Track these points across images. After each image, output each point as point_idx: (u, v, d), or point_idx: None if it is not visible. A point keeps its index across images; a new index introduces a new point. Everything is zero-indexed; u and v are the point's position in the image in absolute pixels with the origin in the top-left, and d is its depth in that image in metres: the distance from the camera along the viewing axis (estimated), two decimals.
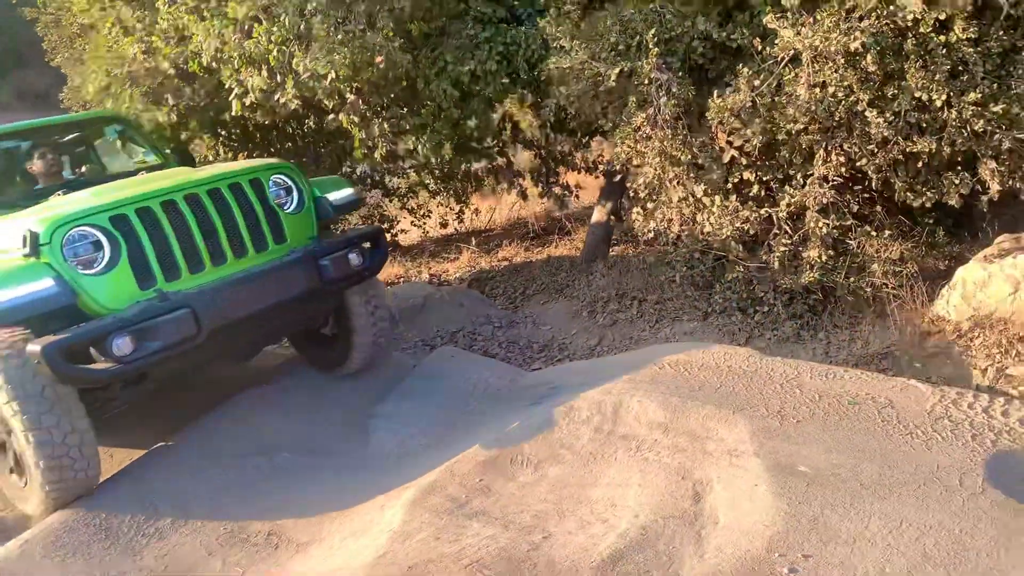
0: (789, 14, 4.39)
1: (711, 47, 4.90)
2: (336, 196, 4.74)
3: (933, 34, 4.16)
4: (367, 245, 4.54)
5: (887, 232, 4.74)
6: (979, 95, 4.09)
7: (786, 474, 3.13)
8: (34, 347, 3.48)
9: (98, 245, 3.73)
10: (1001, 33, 4.19)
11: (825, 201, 4.58)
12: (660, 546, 2.88)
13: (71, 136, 5.67)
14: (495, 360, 5.45)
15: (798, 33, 4.31)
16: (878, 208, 4.93)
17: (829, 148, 4.55)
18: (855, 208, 4.75)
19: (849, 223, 4.70)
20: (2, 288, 3.55)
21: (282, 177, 4.40)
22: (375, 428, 4.48)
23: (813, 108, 4.41)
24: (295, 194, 4.42)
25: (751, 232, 4.95)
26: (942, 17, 4.12)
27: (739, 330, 5.08)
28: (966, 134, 4.22)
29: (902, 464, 3.15)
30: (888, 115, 4.27)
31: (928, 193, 4.50)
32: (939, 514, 2.85)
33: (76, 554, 3.45)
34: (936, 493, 2.97)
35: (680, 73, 4.84)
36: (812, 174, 4.62)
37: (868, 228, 4.75)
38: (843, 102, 4.33)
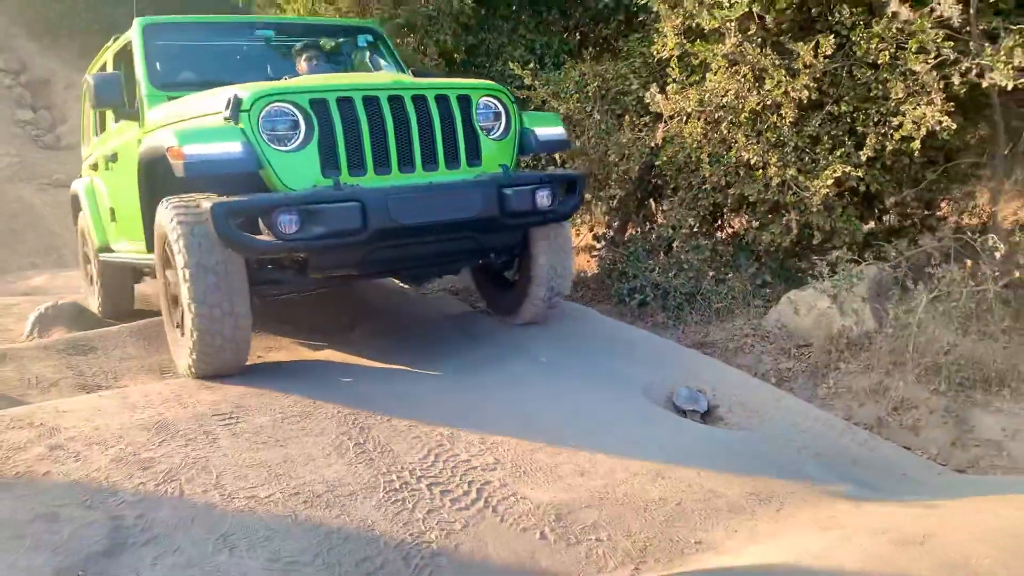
0: (675, 84, 5.86)
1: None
2: (544, 132, 4.60)
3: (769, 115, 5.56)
4: (562, 187, 4.44)
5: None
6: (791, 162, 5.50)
7: None
8: (207, 204, 3.65)
9: (294, 125, 3.81)
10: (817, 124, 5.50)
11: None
12: None
13: (328, 39, 5.71)
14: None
15: (667, 98, 5.80)
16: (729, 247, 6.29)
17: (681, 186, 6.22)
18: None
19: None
20: (195, 142, 3.69)
21: (493, 100, 4.33)
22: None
23: (671, 154, 6.04)
24: (502, 120, 4.35)
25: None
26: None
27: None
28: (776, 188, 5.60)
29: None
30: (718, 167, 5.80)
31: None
32: None
33: None
34: None
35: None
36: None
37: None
38: (692, 152, 5.89)
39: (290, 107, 3.79)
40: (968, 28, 4.96)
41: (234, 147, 3.67)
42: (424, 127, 4.03)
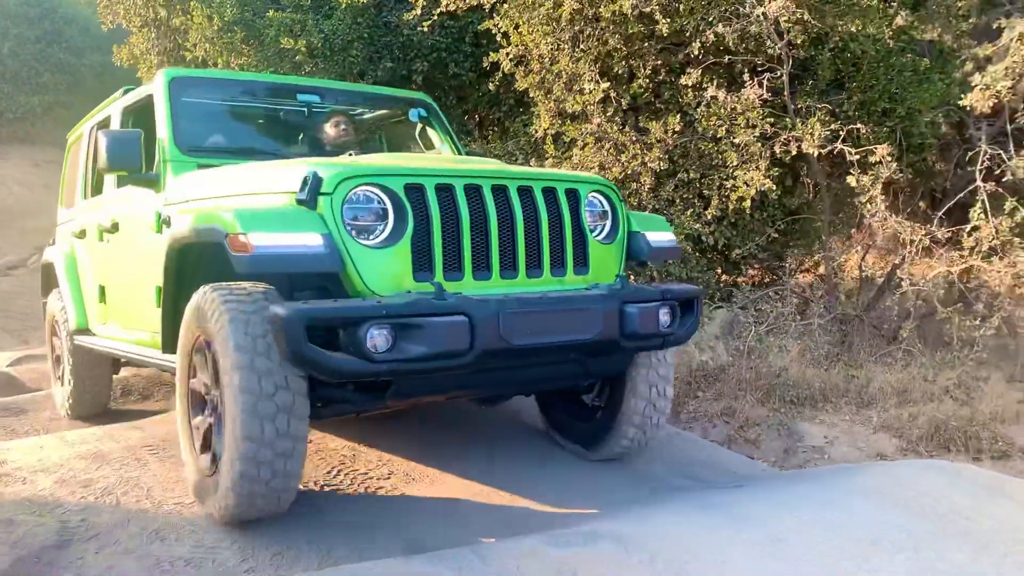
0: (551, 158, 6.74)
1: None
2: (656, 238, 3.92)
3: None
4: (678, 306, 3.64)
5: None
6: None
7: None
8: (278, 310, 2.81)
9: (381, 214, 3.11)
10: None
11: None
12: None
13: (374, 110, 5.14)
14: None
15: None
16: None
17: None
18: None
19: None
20: (265, 230, 2.95)
21: (600, 197, 3.66)
22: None
23: None
24: (610, 220, 3.68)
25: None
26: None
27: None
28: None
29: None
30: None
31: None
32: None
33: None
34: None
35: None
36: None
37: None
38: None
39: (378, 192, 3.09)
40: (788, 106, 6.00)
41: (314, 239, 2.95)
42: (529, 225, 3.36)
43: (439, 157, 4.34)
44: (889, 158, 5.37)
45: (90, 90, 15.83)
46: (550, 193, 3.44)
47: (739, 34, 5.67)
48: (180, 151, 4.06)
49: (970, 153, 5.99)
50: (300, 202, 3.05)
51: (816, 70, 6.22)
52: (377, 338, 2.86)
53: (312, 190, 3.03)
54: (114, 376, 5.72)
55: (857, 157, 5.56)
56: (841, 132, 5.72)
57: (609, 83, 6.21)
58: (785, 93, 5.98)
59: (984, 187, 5.47)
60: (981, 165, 5.68)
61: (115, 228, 4.65)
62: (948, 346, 5.57)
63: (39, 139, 17.22)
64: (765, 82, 5.75)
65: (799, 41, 5.67)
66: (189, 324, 3.29)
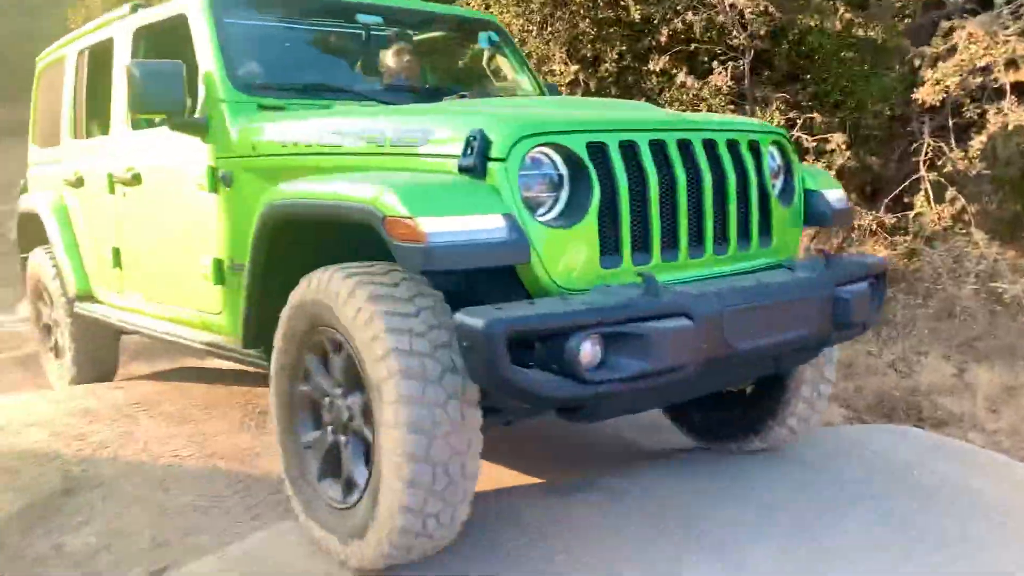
0: None
1: None
2: (833, 196, 3.18)
3: None
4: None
5: None
6: None
7: None
8: (472, 321, 2.10)
9: (556, 182, 2.41)
10: None
11: None
12: None
13: (441, 33, 4.28)
14: None
15: None
16: None
17: None
18: None
19: None
20: (437, 212, 2.21)
21: (775, 150, 2.99)
22: None
23: None
24: (786, 178, 3.01)
25: None
26: None
27: None
28: None
29: None
30: None
31: None
32: None
33: None
34: None
35: None
36: None
37: None
38: None
39: (553, 154, 2.40)
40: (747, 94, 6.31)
41: (495, 222, 2.24)
42: (717, 188, 2.69)
43: (574, 101, 3.68)
44: (844, 147, 5.72)
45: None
46: (733, 147, 2.77)
47: (705, 23, 5.93)
48: (236, 89, 3.27)
49: (914, 145, 6.40)
50: (463, 169, 2.33)
51: (774, 61, 6.53)
52: (589, 352, 2.17)
53: (480, 153, 2.31)
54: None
55: (814, 144, 5.89)
56: (797, 121, 6.05)
57: (578, 65, 6.42)
58: (746, 82, 6.27)
59: (927, 177, 5.86)
60: (924, 156, 6.08)
61: (136, 180, 3.86)
62: (892, 324, 5.96)
63: None
64: (728, 70, 6.03)
65: (761, 32, 5.97)
66: (301, 318, 2.59)
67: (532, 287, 2.40)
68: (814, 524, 3.03)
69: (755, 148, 2.84)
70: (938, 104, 5.79)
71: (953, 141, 6.16)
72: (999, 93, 5.65)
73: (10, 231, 5.63)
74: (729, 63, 6.13)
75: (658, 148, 2.56)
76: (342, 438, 2.58)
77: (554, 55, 6.43)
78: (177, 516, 3.13)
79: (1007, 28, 5.45)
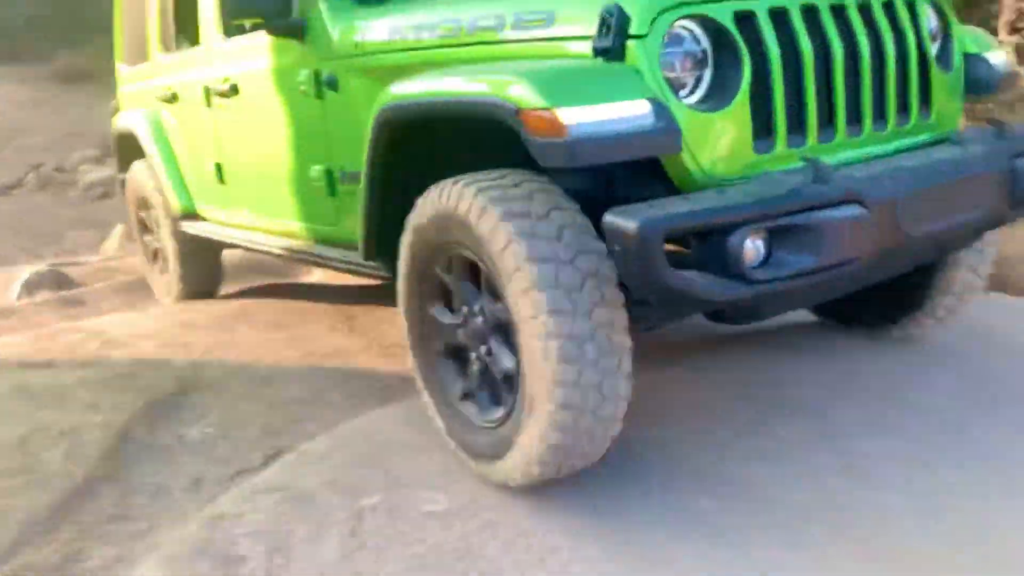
0: None
1: None
2: (996, 59, 2.88)
3: None
4: None
5: None
6: None
7: None
8: (624, 222, 1.92)
9: (700, 59, 2.18)
10: None
11: None
12: None
13: None
14: None
15: None
16: None
17: None
18: None
19: None
20: (578, 101, 1.99)
21: (933, 9, 2.66)
22: None
23: None
24: (944, 41, 2.69)
25: None
26: None
27: None
28: None
29: None
30: None
31: None
32: None
33: None
34: None
35: None
36: None
37: None
38: None
39: (695, 27, 2.15)
40: None
41: (642, 108, 2.02)
42: (874, 57, 2.40)
43: None
44: None
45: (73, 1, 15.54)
46: (888, 8, 2.47)
47: None
48: None
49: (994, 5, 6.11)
50: (600, 52, 2.09)
51: None
52: (752, 248, 2.00)
53: (619, 31, 2.06)
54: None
55: None
56: None
57: None
58: None
59: (1007, 41, 5.61)
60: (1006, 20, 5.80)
61: (234, 91, 3.69)
62: None
63: (23, 56, 16.98)
64: None
65: None
66: (430, 232, 2.41)
67: (680, 179, 2.18)
68: (899, 384, 3.08)
69: (911, 7, 2.54)
70: None
71: None
72: None
73: (86, 174, 5.47)
74: None
75: (809, 14, 2.28)
76: (481, 355, 2.42)
77: None
78: (283, 408, 3.35)
79: None
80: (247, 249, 4.27)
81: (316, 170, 3.24)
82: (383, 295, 4.78)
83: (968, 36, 2.88)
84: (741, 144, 2.19)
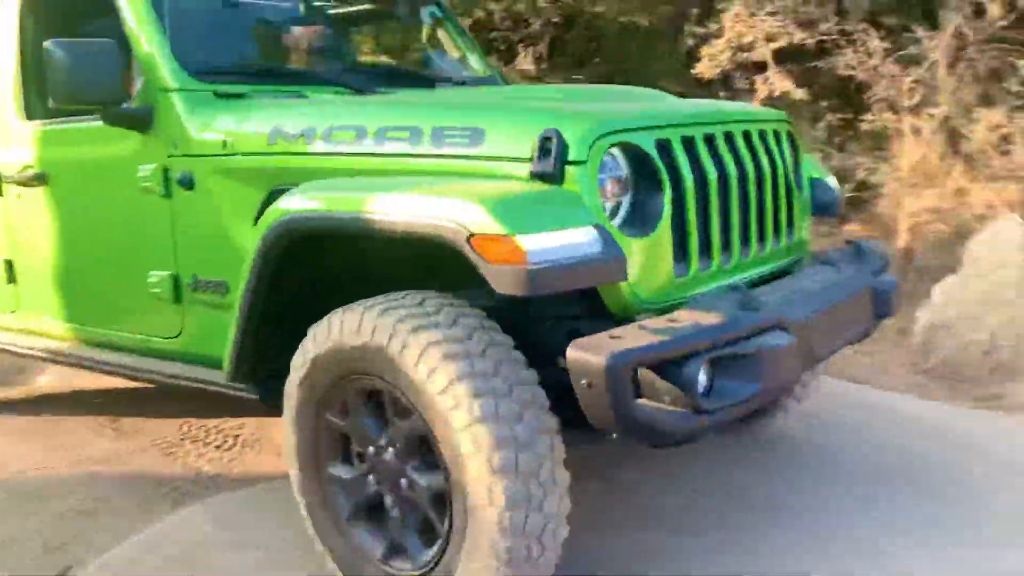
0: None
1: None
2: (832, 183, 3.07)
3: None
4: None
5: None
6: None
7: None
8: (592, 357, 1.86)
9: (623, 186, 2.17)
10: None
11: None
12: None
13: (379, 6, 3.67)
14: None
15: None
16: None
17: None
18: None
19: None
20: (536, 228, 1.92)
21: (787, 138, 2.78)
22: None
23: None
24: (796, 167, 2.81)
25: None
26: None
27: None
28: None
29: None
30: None
31: None
32: None
33: None
34: None
35: None
36: None
37: None
38: None
39: (619, 154, 2.17)
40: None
41: (590, 235, 1.99)
42: (757, 182, 2.53)
43: (590, 90, 3.20)
44: None
45: None
46: (764, 138, 2.62)
47: (506, 11, 6.33)
48: (188, 73, 2.76)
49: None
50: (540, 176, 2.05)
51: (567, 47, 7.07)
52: (703, 377, 1.96)
53: (559, 156, 2.04)
54: None
55: None
56: None
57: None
58: (544, 66, 6.76)
59: None
60: None
61: (39, 180, 3.23)
62: None
63: None
64: (530, 54, 6.48)
65: (554, 20, 6.46)
66: (330, 367, 2.23)
67: (614, 305, 2.14)
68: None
69: (777, 136, 2.71)
70: (715, 78, 6.55)
71: None
72: (761, 67, 6.46)
73: None
74: (529, 48, 6.58)
75: (709, 143, 2.37)
76: (403, 491, 2.23)
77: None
78: (64, 522, 3.08)
79: (763, 8, 6.26)
80: (38, 359, 3.71)
81: (157, 276, 2.87)
82: (142, 390, 4.52)
83: (809, 162, 3.08)
84: (665, 267, 2.21)
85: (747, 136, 2.51)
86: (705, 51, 6.40)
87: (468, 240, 1.91)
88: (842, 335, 2.50)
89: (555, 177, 2.03)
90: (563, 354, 1.91)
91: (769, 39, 6.13)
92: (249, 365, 2.56)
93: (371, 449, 2.26)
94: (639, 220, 2.15)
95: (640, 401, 1.90)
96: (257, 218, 2.46)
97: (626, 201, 2.16)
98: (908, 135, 6.38)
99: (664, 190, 2.17)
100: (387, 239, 2.12)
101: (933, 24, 6.34)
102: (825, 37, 6.24)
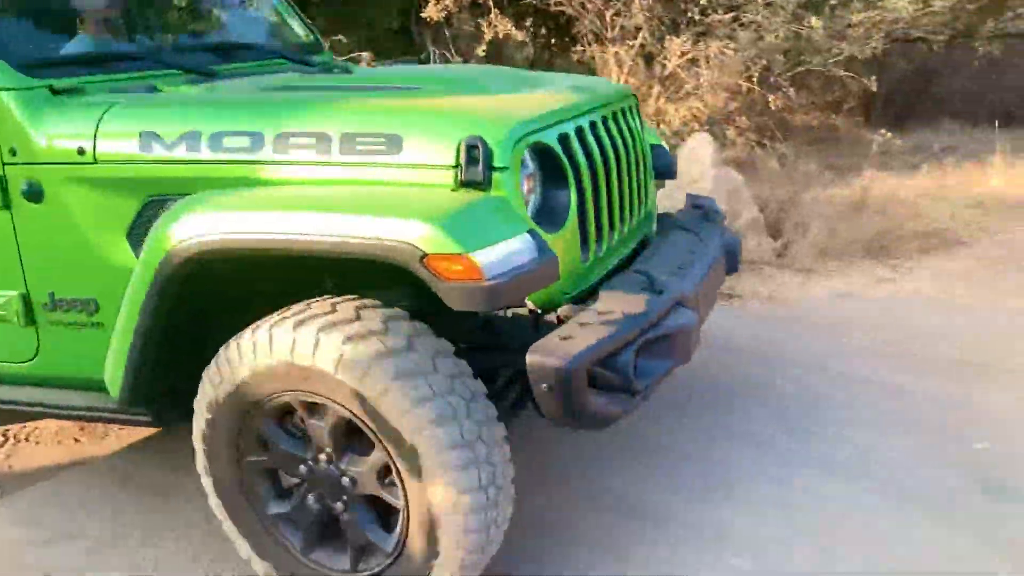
0: None
1: None
2: (666, 147, 3.20)
3: None
4: None
5: None
6: None
7: None
8: (551, 360, 1.94)
9: (533, 181, 2.21)
10: None
11: None
12: None
13: None
14: None
15: None
16: None
17: None
18: None
19: None
20: (486, 242, 1.91)
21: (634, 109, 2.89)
22: None
23: None
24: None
25: None
26: None
27: None
28: None
29: None
30: None
31: None
32: None
33: None
34: None
35: None
36: None
37: None
38: None
39: (529, 154, 2.19)
40: None
41: (527, 242, 2.00)
42: (629, 160, 2.67)
43: (486, 72, 3.14)
44: (372, 62, 6.56)
45: None
46: (624, 115, 2.72)
47: None
48: (15, 68, 2.41)
49: (421, 55, 7.50)
50: (469, 184, 2.02)
51: None
52: (629, 363, 2.07)
53: (485, 159, 2.01)
54: None
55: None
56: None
57: None
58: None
59: None
60: (433, 61, 7.21)
61: None
62: None
63: None
64: None
65: None
66: (255, 383, 2.10)
67: (539, 300, 2.22)
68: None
69: (631, 112, 2.81)
70: (443, 19, 6.90)
71: (453, 51, 7.38)
72: (486, 8, 6.90)
73: None
74: None
75: (592, 129, 2.46)
76: (338, 505, 2.19)
77: None
78: None
79: None
80: None
81: (2, 297, 2.59)
82: None
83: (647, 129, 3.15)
84: (575, 256, 2.27)
85: (614, 116, 2.62)
86: None
87: (422, 260, 1.87)
88: (715, 297, 2.68)
89: (483, 184, 2.01)
90: (481, 347, 2.11)
91: None
92: (146, 389, 2.38)
93: (303, 468, 2.19)
94: (550, 215, 2.21)
95: (592, 394, 2.00)
96: (132, 230, 2.29)
97: (535, 199, 2.20)
98: (612, 64, 7.20)
99: (569, 183, 2.25)
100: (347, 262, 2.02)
101: None
102: None
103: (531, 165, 2.16)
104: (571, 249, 2.24)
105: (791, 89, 7.20)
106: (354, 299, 2.10)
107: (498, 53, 7.20)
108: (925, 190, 6.63)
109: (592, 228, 2.34)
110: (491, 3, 6.68)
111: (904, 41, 8.15)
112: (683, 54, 6.86)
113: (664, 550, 2.52)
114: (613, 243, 2.51)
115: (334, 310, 2.03)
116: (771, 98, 7.08)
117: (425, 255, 1.84)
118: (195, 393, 2.21)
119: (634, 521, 2.66)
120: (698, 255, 2.60)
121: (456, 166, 2.00)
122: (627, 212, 2.61)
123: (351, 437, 2.10)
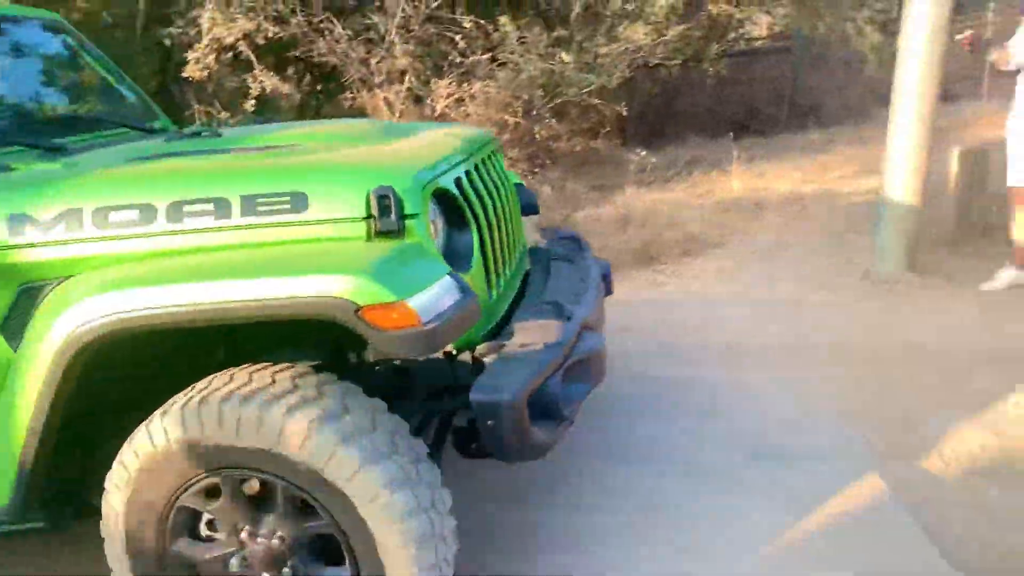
0: None
1: None
2: (526, 187, 3.36)
3: None
4: None
5: None
6: None
7: None
8: (495, 397, 1.97)
9: (436, 226, 2.23)
10: None
11: None
12: None
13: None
14: None
15: None
16: None
17: None
18: None
19: None
20: (417, 289, 1.90)
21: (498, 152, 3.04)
22: None
23: None
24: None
25: None
26: None
27: None
28: None
29: None
30: None
31: None
32: None
33: None
34: None
35: None
36: None
37: None
38: None
39: (433, 199, 2.25)
40: None
41: (450, 285, 2.03)
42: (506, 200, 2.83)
43: (375, 127, 3.13)
44: None
45: None
46: (491, 158, 2.85)
47: None
48: None
49: (187, 112, 7.32)
50: (385, 233, 2.05)
51: None
52: (559, 388, 2.18)
53: (398, 211, 2.05)
54: None
55: None
56: None
57: None
58: None
59: None
60: (198, 121, 7.06)
61: None
62: None
63: None
64: None
65: None
66: (178, 465, 1.99)
67: (460, 342, 2.23)
68: None
69: (496, 155, 2.95)
70: (205, 78, 6.78)
71: (219, 105, 7.27)
72: (248, 65, 6.86)
73: None
74: None
75: (476, 172, 2.56)
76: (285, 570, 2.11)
77: None
78: None
79: (234, 9, 6.63)
80: None
81: None
82: None
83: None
84: (483, 295, 2.30)
85: (484, 160, 2.72)
86: (190, 55, 6.59)
87: (356, 312, 1.86)
88: (604, 319, 2.80)
89: (398, 233, 2.04)
90: (397, 394, 2.17)
91: (247, 37, 6.54)
92: (42, 494, 2.18)
93: (243, 544, 2.10)
94: (455, 256, 2.25)
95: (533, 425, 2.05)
96: (6, 322, 2.10)
97: (439, 241, 2.22)
98: (383, 107, 7.39)
99: (470, 224, 2.32)
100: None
101: (383, 8, 7.35)
102: (296, 31, 6.86)
103: (435, 209, 2.21)
104: (479, 287, 2.28)
105: (553, 120, 7.70)
106: (277, 366, 2.07)
107: (266, 104, 7.17)
108: (679, 200, 7.35)
109: (492, 265, 2.43)
110: (253, 59, 6.66)
111: (646, 68, 8.94)
112: (449, 95, 7.17)
113: (492, 556, 2.64)
114: (508, 278, 2.61)
115: (263, 385, 1.98)
116: (536, 129, 7.55)
117: (359, 307, 1.84)
118: (86, 486, 2.09)
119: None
120: (585, 282, 2.73)
121: (367, 217, 2.02)
122: (513, 248, 2.74)
123: (299, 507, 2.03)
